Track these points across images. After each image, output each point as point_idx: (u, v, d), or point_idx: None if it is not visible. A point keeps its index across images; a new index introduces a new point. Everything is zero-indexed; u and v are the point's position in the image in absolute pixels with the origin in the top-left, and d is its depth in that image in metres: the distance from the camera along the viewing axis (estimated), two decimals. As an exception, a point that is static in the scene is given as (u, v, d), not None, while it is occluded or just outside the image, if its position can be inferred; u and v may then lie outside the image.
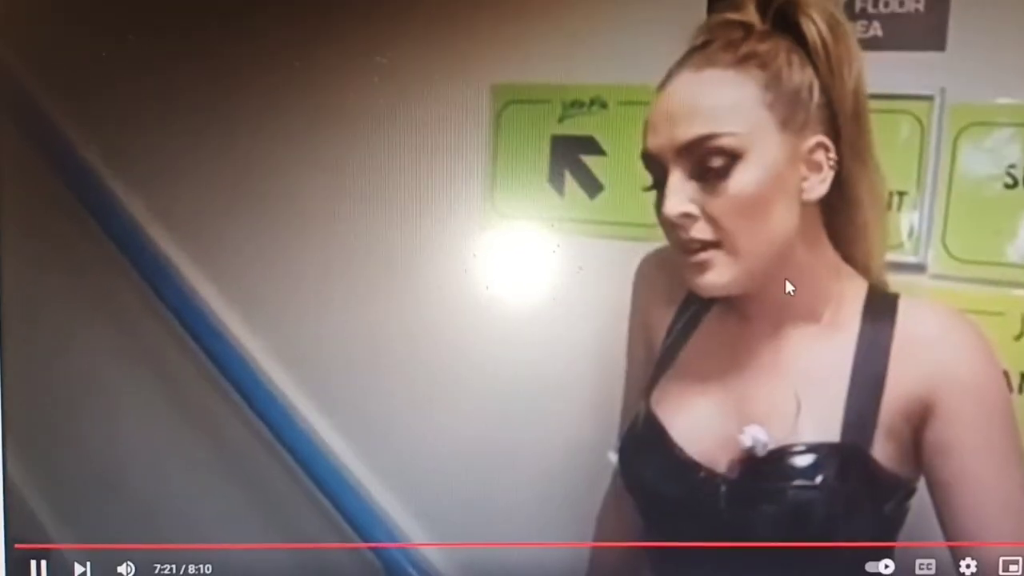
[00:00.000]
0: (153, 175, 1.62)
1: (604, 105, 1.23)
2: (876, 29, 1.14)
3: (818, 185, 0.91)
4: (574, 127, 1.25)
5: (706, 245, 0.90)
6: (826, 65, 0.90)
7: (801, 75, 0.89)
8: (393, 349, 1.46)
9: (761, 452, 0.91)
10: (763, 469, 0.91)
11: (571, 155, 1.25)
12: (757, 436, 0.91)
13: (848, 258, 0.97)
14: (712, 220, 0.89)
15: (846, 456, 0.89)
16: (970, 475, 0.88)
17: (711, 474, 0.94)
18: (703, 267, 0.90)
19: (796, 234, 0.91)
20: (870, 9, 1.14)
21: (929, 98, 1.13)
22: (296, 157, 1.50)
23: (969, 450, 0.88)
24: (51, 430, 1.73)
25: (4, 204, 1.63)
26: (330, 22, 1.42)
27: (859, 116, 0.92)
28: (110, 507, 1.69)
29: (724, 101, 0.88)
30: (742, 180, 0.88)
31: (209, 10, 1.50)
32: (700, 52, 0.92)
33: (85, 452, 1.71)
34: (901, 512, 0.95)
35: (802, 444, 0.91)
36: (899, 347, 0.91)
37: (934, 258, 1.15)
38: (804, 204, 0.91)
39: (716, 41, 0.91)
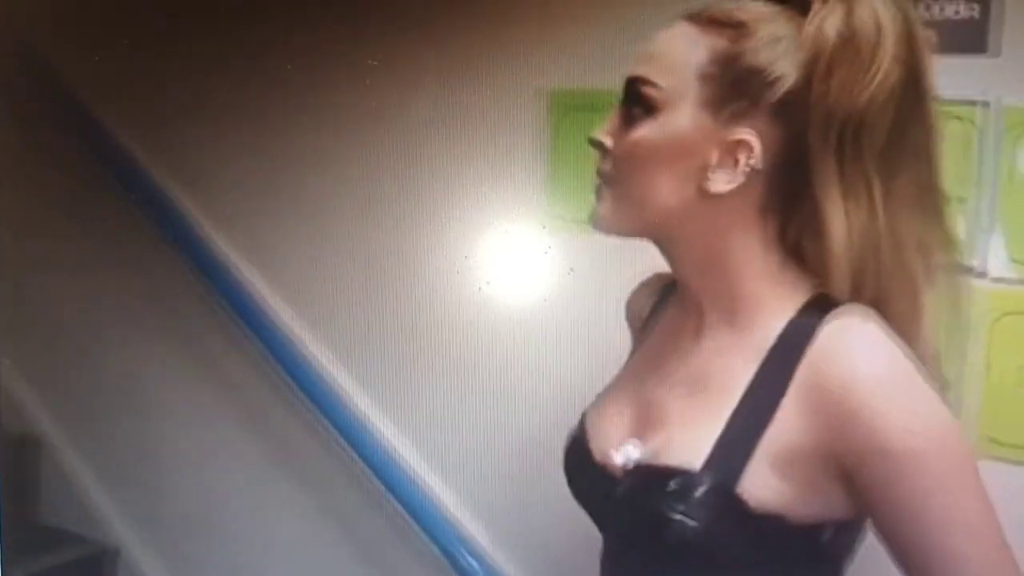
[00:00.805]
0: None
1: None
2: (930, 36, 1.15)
3: (723, 182, 0.82)
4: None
5: (605, 177, 0.86)
6: (813, 61, 0.79)
7: (772, 63, 0.80)
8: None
9: (630, 467, 0.85)
10: (640, 487, 0.84)
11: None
12: (629, 452, 0.85)
13: (814, 271, 0.85)
14: (614, 158, 0.85)
15: (706, 489, 0.79)
16: (920, 537, 0.75)
17: (610, 477, 0.87)
18: (598, 196, 0.87)
19: (704, 220, 0.84)
20: (924, 15, 1.15)
21: (981, 103, 1.14)
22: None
23: (911, 516, 0.75)
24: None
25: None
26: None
27: (856, 140, 0.79)
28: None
29: (668, 54, 0.83)
30: (643, 132, 0.83)
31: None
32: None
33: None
34: (822, 556, 0.83)
35: (661, 465, 0.83)
36: (799, 383, 0.79)
37: (992, 262, 1.15)
38: (708, 193, 0.82)
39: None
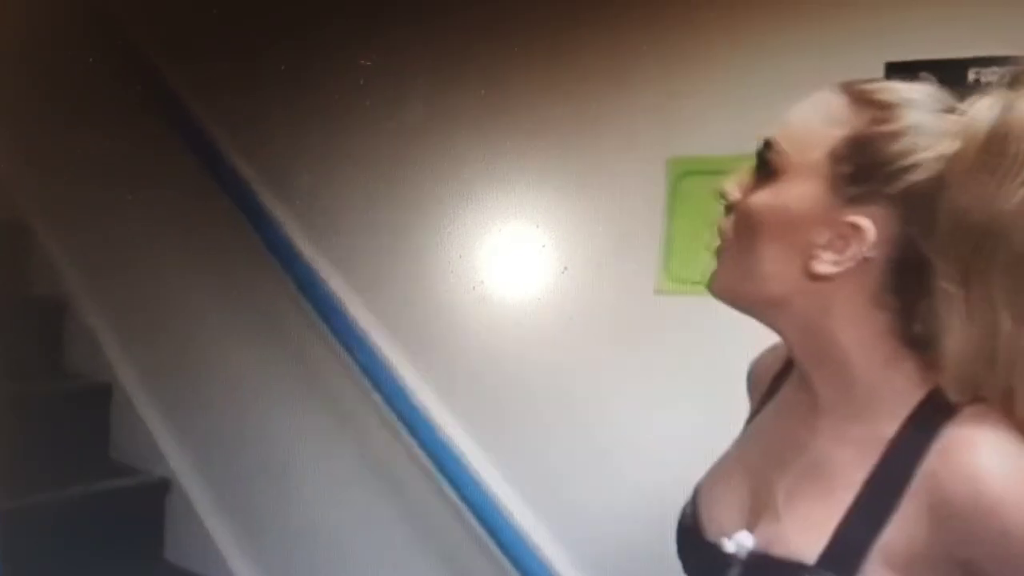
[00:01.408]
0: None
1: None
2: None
3: (828, 264, 0.77)
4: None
5: (724, 237, 0.84)
6: (954, 160, 0.73)
7: (906, 153, 0.75)
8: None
9: (743, 556, 0.82)
10: (751, 573, 0.81)
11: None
12: (742, 541, 0.82)
13: (929, 364, 0.78)
14: (735, 216, 0.83)
15: None
16: None
17: (723, 556, 0.84)
18: (716, 255, 0.85)
19: (811, 300, 0.80)
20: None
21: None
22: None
23: None
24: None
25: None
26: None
27: (991, 248, 0.72)
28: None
29: (804, 122, 0.80)
30: (760, 197, 0.80)
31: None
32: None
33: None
34: None
35: (775, 556, 0.79)
36: (921, 483, 0.74)
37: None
38: (814, 273, 0.78)
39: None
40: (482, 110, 1.53)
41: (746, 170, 0.83)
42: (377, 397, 1.67)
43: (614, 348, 1.42)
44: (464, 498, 1.56)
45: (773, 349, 0.96)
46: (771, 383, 0.95)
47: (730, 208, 0.83)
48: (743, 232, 0.82)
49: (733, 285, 0.83)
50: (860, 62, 1.19)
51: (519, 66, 1.48)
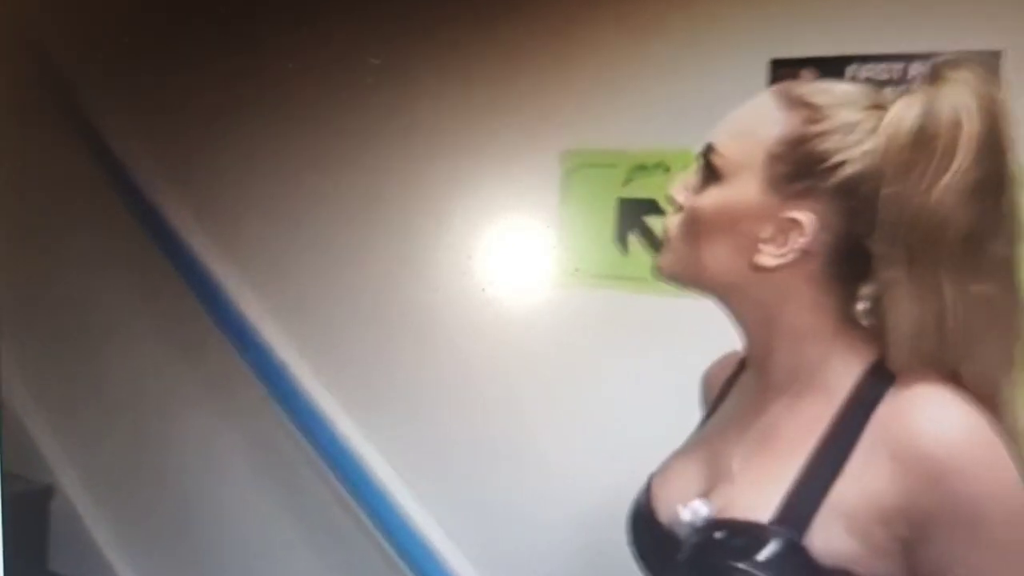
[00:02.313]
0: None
1: (667, 169, 1.29)
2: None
3: (771, 257, 0.83)
4: (638, 190, 1.31)
5: (671, 232, 0.88)
6: (886, 154, 0.79)
7: (838, 150, 0.80)
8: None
9: (699, 523, 0.85)
10: (708, 541, 0.84)
11: (635, 216, 1.32)
12: (697, 510, 0.85)
13: (874, 338, 0.84)
14: (683, 217, 0.87)
15: (776, 540, 0.79)
16: None
17: (672, 537, 0.88)
18: (664, 246, 0.89)
19: (758, 289, 0.85)
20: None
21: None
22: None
23: None
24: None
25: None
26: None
27: (927, 234, 0.77)
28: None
29: (743, 125, 0.85)
30: (707, 198, 0.85)
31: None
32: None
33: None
34: None
35: (728, 519, 0.83)
36: (870, 438, 0.79)
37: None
38: (758, 266, 0.83)
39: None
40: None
41: (690, 173, 0.88)
42: (271, 397, 1.64)
43: (513, 340, 1.42)
44: (360, 499, 1.56)
45: (725, 357, 1.02)
46: (723, 387, 1.00)
47: (678, 209, 0.88)
48: (691, 232, 0.86)
49: (683, 270, 0.88)
50: (746, 59, 1.24)
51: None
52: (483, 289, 1.44)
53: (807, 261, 0.82)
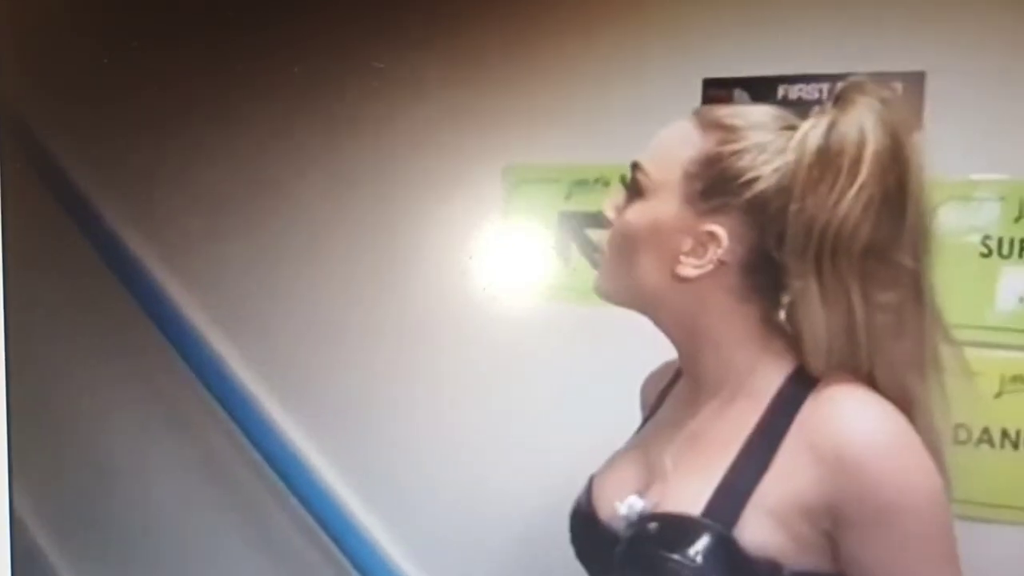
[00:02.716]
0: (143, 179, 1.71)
1: (607, 183, 1.33)
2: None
3: (691, 268, 0.88)
4: (579, 204, 1.36)
5: (604, 250, 0.95)
6: (794, 172, 0.84)
7: (749, 168, 0.86)
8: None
9: (634, 517, 0.90)
10: (643, 534, 0.88)
11: (577, 230, 1.36)
12: (633, 504, 0.90)
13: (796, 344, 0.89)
14: (612, 232, 0.94)
15: (705, 533, 0.84)
16: None
17: (611, 535, 0.92)
18: (600, 266, 0.96)
19: (682, 299, 0.90)
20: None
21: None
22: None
23: (888, 571, 0.81)
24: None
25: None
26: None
27: (835, 246, 0.83)
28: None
29: (663, 146, 0.91)
30: (632, 214, 0.91)
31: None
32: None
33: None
34: None
35: (661, 513, 0.88)
36: (795, 436, 0.84)
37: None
38: (680, 277, 0.89)
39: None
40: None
41: (617, 193, 0.94)
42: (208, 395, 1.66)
43: (455, 354, 1.45)
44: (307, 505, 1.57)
45: (663, 367, 1.07)
46: (660, 394, 1.05)
47: (609, 226, 0.94)
48: (619, 245, 0.93)
49: (616, 287, 0.95)
50: (679, 79, 1.28)
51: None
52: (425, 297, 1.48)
53: (725, 272, 0.89)
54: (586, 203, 1.35)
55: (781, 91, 1.26)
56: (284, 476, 1.60)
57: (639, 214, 0.91)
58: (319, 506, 1.58)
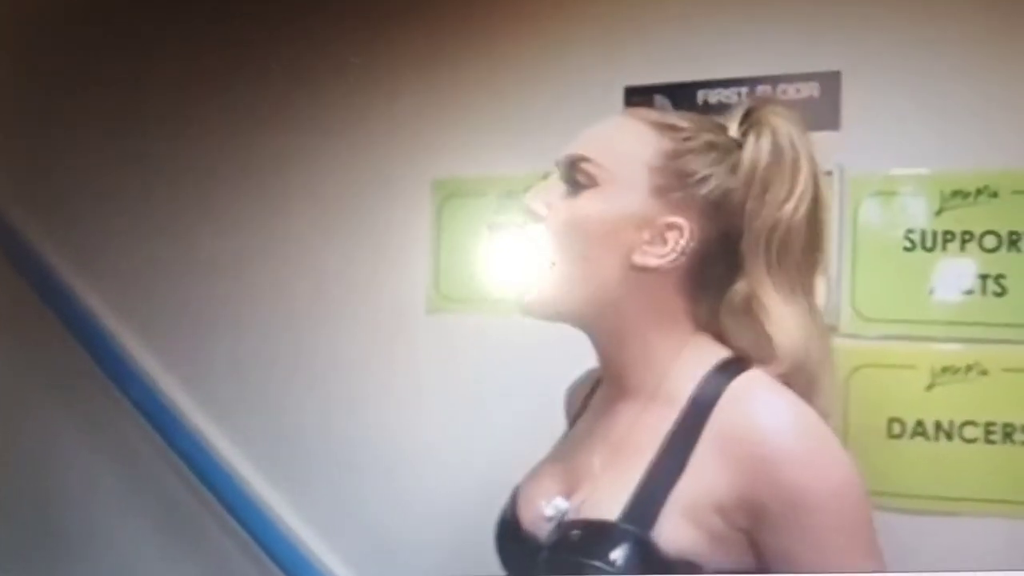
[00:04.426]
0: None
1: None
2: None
3: (653, 257, 0.90)
4: (508, 216, 1.35)
5: (535, 253, 0.93)
6: (751, 177, 0.90)
7: (705, 166, 0.91)
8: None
9: (560, 519, 0.90)
10: (564, 541, 0.89)
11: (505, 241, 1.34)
12: (558, 505, 0.91)
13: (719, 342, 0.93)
14: (551, 228, 0.92)
15: (624, 537, 0.84)
16: None
17: (535, 542, 0.92)
18: (527, 278, 0.94)
19: (628, 293, 0.91)
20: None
21: (829, 173, 1.22)
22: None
23: (810, 564, 0.81)
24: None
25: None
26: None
27: (783, 244, 0.89)
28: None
29: (614, 141, 0.92)
30: (586, 203, 0.91)
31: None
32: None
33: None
34: None
35: (584, 519, 0.88)
36: (709, 436, 0.85)
37: (845, 319, 1.23)
38: (635, 266, 0.90)
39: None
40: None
41: (545, 188, 0.95)
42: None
43: (387, 368, 1.44)
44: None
45: (586, 375, 1.07)
46: (582, 402, 1.05)
47: (538, 219, 0.94)
48: (566, 237, 0.92)
49: (553, 295, 0.93)
50: (600, 86, 1.28)
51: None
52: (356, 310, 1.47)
53: (677, 265, 0.90)
54: (516, 215, 1.34)
55: (701, 96, 1.27)
56: (216, 492, 1.59)
57: (595, 205, 0.91)
58: (251, 519, 1.56)
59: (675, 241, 0.89)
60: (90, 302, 1.68)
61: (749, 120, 0.93)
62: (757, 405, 0.85)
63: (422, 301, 1.44)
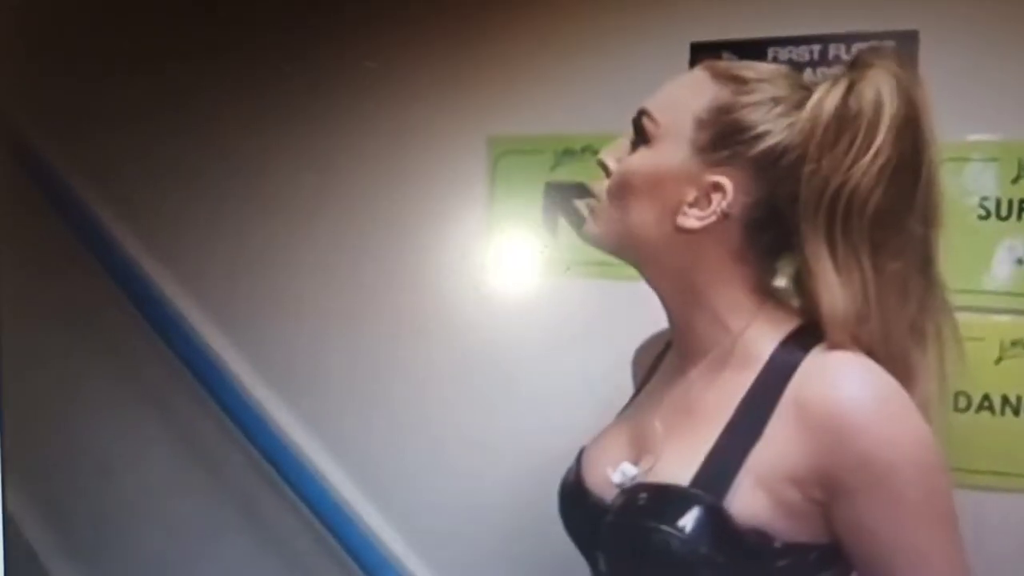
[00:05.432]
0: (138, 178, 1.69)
1: (595, 152, 1.30)
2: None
3: (694, 219, 0.86)
4: (566, 174, 1.33)
5: (600, 199, 0.92)
6: (810, 134, 0.84)
7: (761, 122, 0.85)
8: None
9: (628, 485, 0.88)
10: (631, 505, 0.87)
11: (563, 199, 1.33)
12: (626, 471, 0.89)
13: (789, 311, 0.90)
14: (612, 180, 0.91)
15: (695, 503, 0.82)
16: (893, 559, 0.79)
17: (600, 506, 0.90)
18: (592, 213, 0.93)
19: (680, 253, 0.88)
20: (843, 56, 1.21)
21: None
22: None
23: (886, 536, 0.79)
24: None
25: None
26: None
27: (847, 208, 0.81)
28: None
29: (673, 94, 0.89)
30: (636, 161, 0.89)
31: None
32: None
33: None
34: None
35: (651, 483, 0.86)
36: (785, 406, 0.82)
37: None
38: (682, 228, 0.87)
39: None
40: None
41: (620, 143, 0.92)
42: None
43: (442, 336, 1.43)
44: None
45: (654, 337, 1.05)
46: (652, 363, 1.03)
47: (608, 174, 0.91)
48: (618, 192, 0.90)
49: (608, 231, 0.91)
50: (667, 43, 1.25)
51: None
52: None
53: (726, 229, 0.87)
54: (573, 173, 1.32)
55: (771, 53, 1.23)
56: (277, 467, 1.58)
57: (643, 161, 0.88)
58: (314, 497, 1.56)
59: (717, 202, 0.86)
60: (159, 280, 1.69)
61: (849, 74, 0.85)
62: (837, 376, 0.81)
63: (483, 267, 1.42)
